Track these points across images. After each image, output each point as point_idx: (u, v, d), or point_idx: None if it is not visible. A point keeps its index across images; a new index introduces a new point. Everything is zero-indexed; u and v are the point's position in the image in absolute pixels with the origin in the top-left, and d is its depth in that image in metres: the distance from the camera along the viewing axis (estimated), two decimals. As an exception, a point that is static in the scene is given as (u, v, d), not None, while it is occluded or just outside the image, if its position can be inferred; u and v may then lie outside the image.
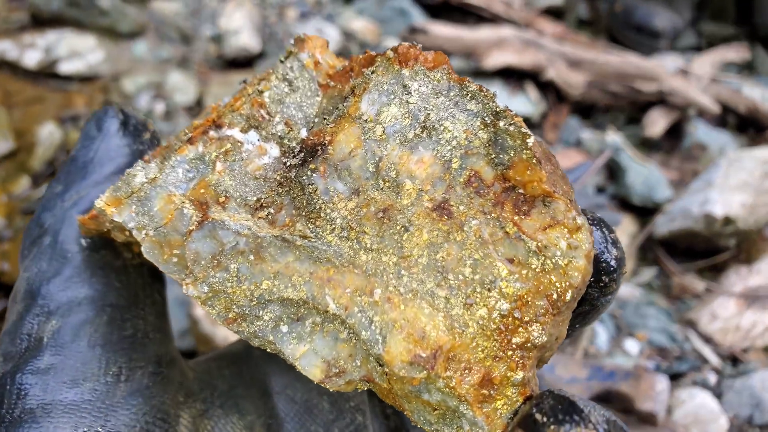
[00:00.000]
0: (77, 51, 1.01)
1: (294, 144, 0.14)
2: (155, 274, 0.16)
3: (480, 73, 0.93)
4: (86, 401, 0.13)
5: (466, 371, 0.11)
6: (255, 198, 0.13)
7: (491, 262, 0.12)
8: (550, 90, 0.96)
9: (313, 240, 0.12)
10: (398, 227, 0.12)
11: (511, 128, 0.12)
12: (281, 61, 0.15)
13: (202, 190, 0.13)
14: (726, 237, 0.74)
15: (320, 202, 0.13)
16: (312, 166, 0.13)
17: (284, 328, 0.13)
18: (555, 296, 0.11)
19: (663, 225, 0.78)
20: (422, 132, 0.13)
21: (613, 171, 0.86)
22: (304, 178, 0.13)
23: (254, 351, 0.18)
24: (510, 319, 0.11)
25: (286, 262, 0.13)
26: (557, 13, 1.28)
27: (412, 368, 0.11)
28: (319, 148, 0.13)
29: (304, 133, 0.14)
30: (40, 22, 1.09)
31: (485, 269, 0.12)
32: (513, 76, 0.93)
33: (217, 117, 0.14)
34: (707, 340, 0.70)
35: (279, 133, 0.14)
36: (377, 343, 0.12)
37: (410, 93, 0.13)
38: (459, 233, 0.12)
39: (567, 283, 0.11)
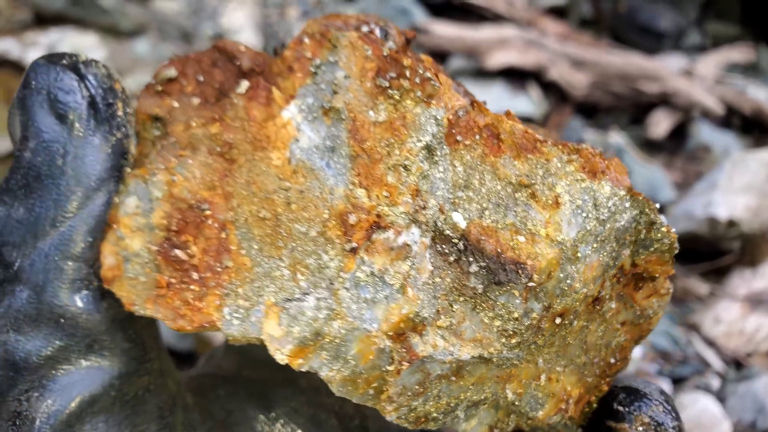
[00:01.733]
0: (79, 49, 1.01)
1: (449, 232, 0.13)
2: None
3: (482, 73, 0.92)
4: None
5: (579, 403, 0.14)
6: (435, 310, 0.12)
7: (614, 329, 0.15)
8: (552, 90, 0.96)
9: (505, 354, 0.13)
10: (566, 325, 0.13)
11: (666, 241, 0.14)
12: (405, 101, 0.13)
13: (402, 324, 0.12)
14: (730, 240, 0.74)
15: (519, 324, 0.13)
16: (515, 292, 0.12)
17: (461, 414, 0.14)
18: (640, 338, 0.15)
19: (666, 227, 0.77)
20: (599, 244, 0.13)
21: (616, 172, 0.86)
22: (501, 298, 0.12)
23: (245, 370, 0.17)
24: (614, 364, 0.15)
25: (480, 374, 0.13)
26: (560, 12, 1.27)
27: (553, 417, 0.14)
28: (517, 270, 0.12)
29: (458, 219, 0.13)
30: (43, 20, 1.10)
31: (609, 335, 0.14)
32: (515, 76, 0.93)
33: (377, 216, 0.12)
34: (710, 343, 0.70)
35: (436, 221, 0.13)
36: (537, 410, 0.14)
37: (601, 212, 0.13)
38: (600, 315, 0.14)
39: (650, 329, 0.15)
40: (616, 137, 0.89)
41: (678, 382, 0.64)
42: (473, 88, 0.89)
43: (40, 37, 1.02)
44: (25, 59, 0.99)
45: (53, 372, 0.11)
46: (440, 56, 1.02)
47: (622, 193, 0.13)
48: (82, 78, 0.12)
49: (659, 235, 0.14)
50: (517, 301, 0.12)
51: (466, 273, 0.12)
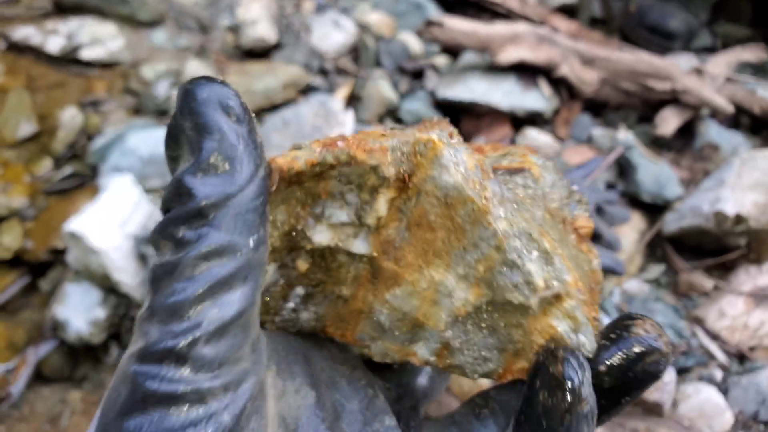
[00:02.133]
0: (98, 38, 1.03)
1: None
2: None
3: (494, 69, 0.93)
4: None
5: (588, 306, 0.18)
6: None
7: (583, 260, 0.20)
8: (563, 86, 0.96)
9: (538, 213, 0.19)
10: (557, 223, 0.20)
11: (583, 199, 0.20)
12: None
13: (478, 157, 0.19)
14: (736, 236, 0.74)
15: (534, 192, 0.20)
16: (527, 175, 0.20)
17: (531, 263, 0.18)
18: (597, 285, 0.19)
19: (672, 222, 0.78)
20: (552, 179, 0.21)
21: (624, 168, 0.87)
22: (520, 180, 0.20)
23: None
24: (594, 290, 0.19)
25: (524, 217, 0.18)
26: (571, 11, 1.28)
27: (575, 293, 0.18)
28: (522, 169, 0.20)
29: (487, 167, 0.20)
30: (63, 9, 1.12)
31: (582, 262, 0.20)
32: (527, 72, 0.93)
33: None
34: (714, 337, 0.71)
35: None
36: (566, 274, 0.18)
37: (546, 164, 0.21)
38: (567, 242, 0.19)
39: (599, 281, 0.19)
40: (625, 134, 0.90)
41: (681, 372, 0.65)
42: (485, 83, 0.90)
43: (59, 25, 1.04)
44: (46, 46, 1.01)
45: (222, 289, 0.14)
46: (453, 51, 1.03)
47: (552, 167, 0.21)
48: (234, 91, 0.16)
49: (579, 198, 0.20)
50: (529, 181, 0.20)
51: (503, 177, 0.20)
